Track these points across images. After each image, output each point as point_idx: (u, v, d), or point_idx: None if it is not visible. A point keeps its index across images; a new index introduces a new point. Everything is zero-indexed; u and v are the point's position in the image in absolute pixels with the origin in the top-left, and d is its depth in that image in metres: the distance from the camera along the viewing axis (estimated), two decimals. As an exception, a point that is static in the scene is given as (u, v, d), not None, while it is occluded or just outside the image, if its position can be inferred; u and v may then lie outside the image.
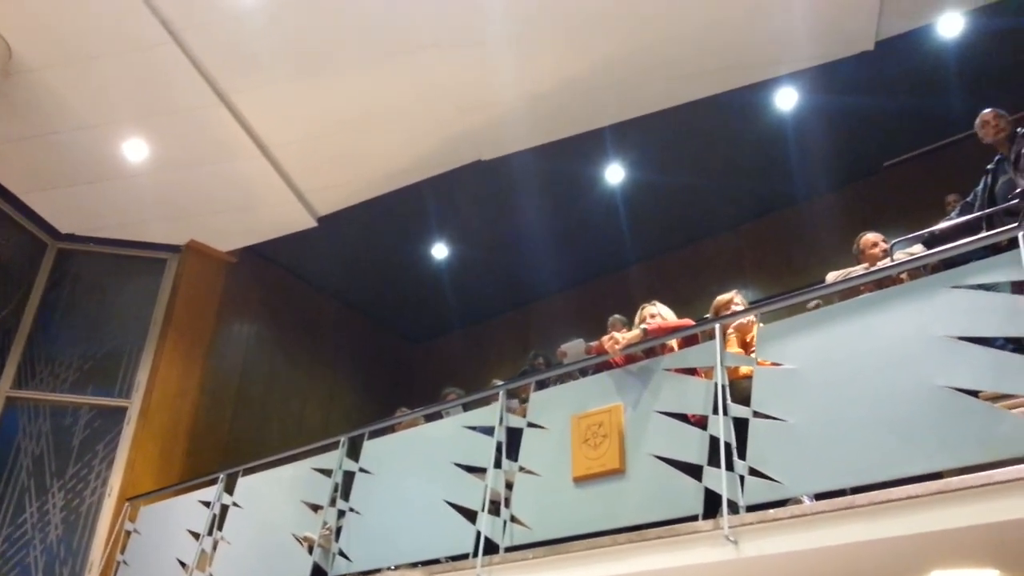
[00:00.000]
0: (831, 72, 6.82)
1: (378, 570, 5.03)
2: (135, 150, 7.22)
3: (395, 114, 7.17)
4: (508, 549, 4.43)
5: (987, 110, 5.18)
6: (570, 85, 6.90)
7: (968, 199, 5.29)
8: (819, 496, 3.65)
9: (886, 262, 4.68)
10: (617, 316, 6.57)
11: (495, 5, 6.11)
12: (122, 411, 7.72)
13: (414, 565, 4.83)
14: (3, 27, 6.10)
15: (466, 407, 5.77)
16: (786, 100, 7.30)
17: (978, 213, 4.96)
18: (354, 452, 5.76)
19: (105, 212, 8.03)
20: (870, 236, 5.23)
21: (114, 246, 8.42)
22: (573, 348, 6.08)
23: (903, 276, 4.46)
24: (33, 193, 7.78)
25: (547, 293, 10.27)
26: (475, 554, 4.47)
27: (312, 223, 8.28)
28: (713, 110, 7.22)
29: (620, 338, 4.50)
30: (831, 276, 5.02)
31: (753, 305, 4.78)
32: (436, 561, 4.85)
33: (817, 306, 4.72)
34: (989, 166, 5.16)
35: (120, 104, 6.82)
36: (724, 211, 8.89)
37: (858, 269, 4.93)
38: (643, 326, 4.50)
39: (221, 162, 7.41)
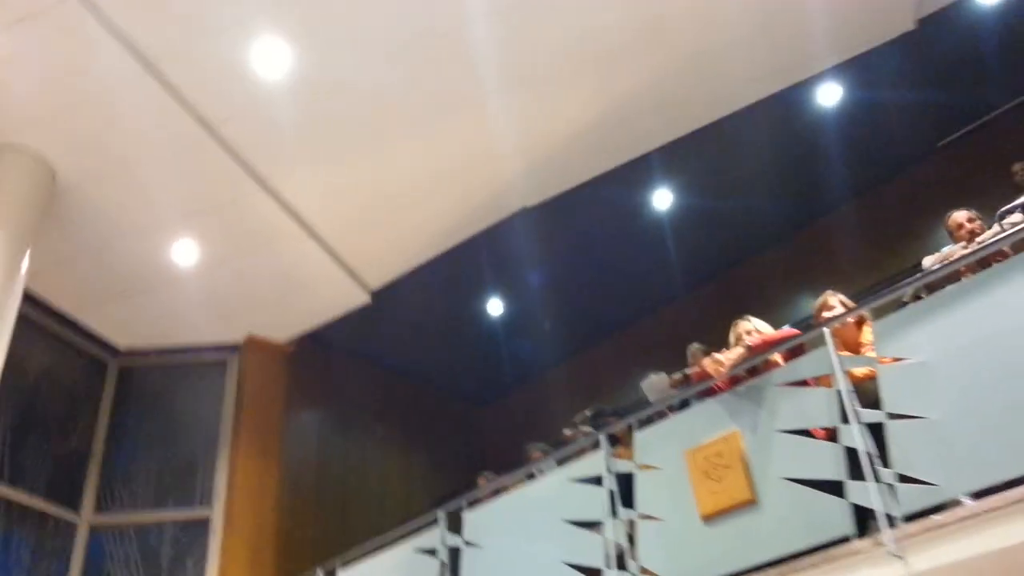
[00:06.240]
0: (873, 62, 6.63)
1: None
2: (184, 252, 7.16)
3: (434, 178, 7.10)
4: (643, 602, 4.16)
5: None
6: (606, 117, 6.80)
7: None
8: (977, 495, 3.36)
9: (987, 235, 4.42)
10: (696, 344, 6.28)
11: (524, 49, 6.06)
12: (205, 521, 7.52)
13: None
14: (46, 150, 6.10)
15: (559, 462, 5.52)
16: (829, 96, 7.14)
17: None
18: (453, 525, 5.52)
19: (160, 320, 7.95)
20: (956, 216, 4.95)
21: (173, 354, 8.32)
22: (654, 386, 5.76)
23: (1006, 249, 4.21)
24: (88, 310, 7.71)
25: (606, 334, 10.00)
26: (609, 612, 4.19)
27: (366, 298, 8.15)
28: (753, 118, 7.05)
29: (723, 359, 4.26)
30: (927, 260, 4.76)
31: (862, 301, 4.50)
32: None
33: (917, 297, 4.45)
34: None
35: (164, 206, 6.76)
36: (776, 220, 8.62)
37: (956, 249, 4.66)
38: (746, 342, 4.26)
39: (269, 250, 7.33)
